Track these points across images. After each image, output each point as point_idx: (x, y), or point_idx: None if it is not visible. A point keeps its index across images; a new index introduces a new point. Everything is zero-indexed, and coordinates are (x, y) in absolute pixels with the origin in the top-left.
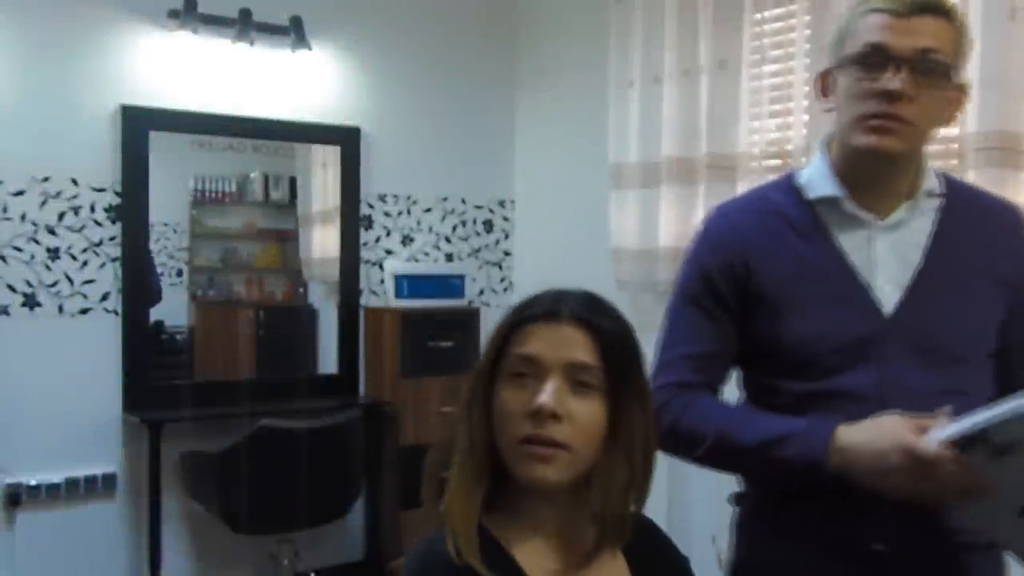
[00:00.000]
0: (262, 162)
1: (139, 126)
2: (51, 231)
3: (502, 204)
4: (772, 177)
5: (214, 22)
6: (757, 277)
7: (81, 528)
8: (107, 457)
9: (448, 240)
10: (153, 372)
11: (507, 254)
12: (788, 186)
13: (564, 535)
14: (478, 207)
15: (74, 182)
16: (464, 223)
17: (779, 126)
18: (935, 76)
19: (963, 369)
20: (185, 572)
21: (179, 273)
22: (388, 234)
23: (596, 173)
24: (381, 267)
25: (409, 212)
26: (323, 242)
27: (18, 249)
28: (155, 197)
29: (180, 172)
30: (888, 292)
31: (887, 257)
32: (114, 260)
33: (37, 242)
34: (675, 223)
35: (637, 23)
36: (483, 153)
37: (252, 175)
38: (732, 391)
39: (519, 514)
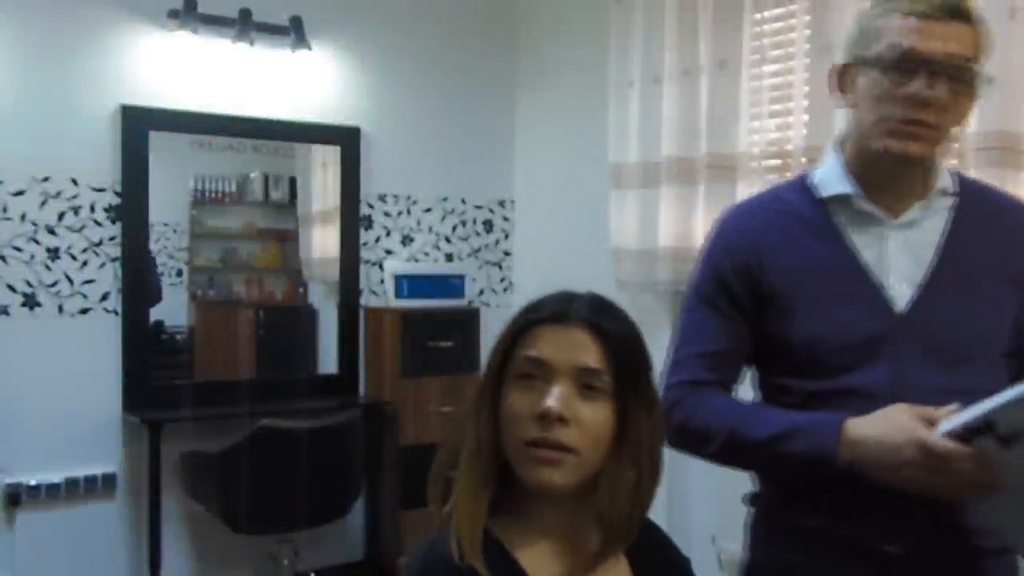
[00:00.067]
0: (262, 162)
1: (139, 126)
2: (51, 231)
3: (502, 204)
4: (772, 177)
5: (214, 22)
6: (769, 276)
7: (81, 528)
8: (107, 457)
9: (448, 240)
10: (153, 372)
11: (507, 254)
12: (801, 185)
13: (569, 538)
14: (478, 207)
15: (74, 182)
16: (464, 223)
17: (779, 126)
18: (964, 83)
19: (976, 368)
20: (185, 572)
21: (179, 273)
22: (388, 234)
23: (596, 173)
24: (381, 267)
25: (409, 212)
26: (323, 242)
27: (18, 249)
28: (155, 197)
29: (180, 172)
30: (901, 290)
31: (900, 255)
32: (114, 260)
33: (37, 242)
34: (675, 223)
35: (637, 23)
36: (483, 153)
37: (252, 175)
38: (747, 392)
39: (525, 517)
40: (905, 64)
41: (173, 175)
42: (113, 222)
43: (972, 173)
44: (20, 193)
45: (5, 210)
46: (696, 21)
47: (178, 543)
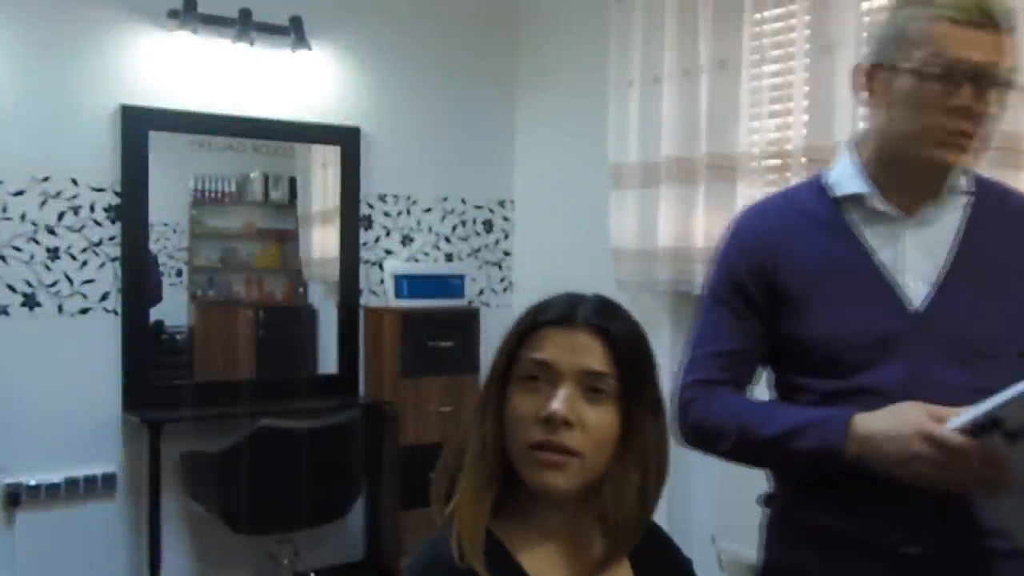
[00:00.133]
0: (262, 162)
1: (139, 126)
2: (51, 231)
3: (502, 204)
4: (772, 177)
5: (214, 22)
6: (784, 275)
7: (81, 528)
8: (107, 457)
9: (448, 240)
10: (153, 372)
11: (507, 254)
12: (816, 185)
13: (573, 541)
14: (478, 207)
15: (74, 182)
16: (464, 223)
17: (779, 126)
18: (1003, 91)
19: (993, 367)
20: (185, 572)
21: (179, 273)
22: (388, 234)
23: (596, 173)
24: (381, 267)
25: (409, 212)
26: (323, 242)
27: (18, 249)
28: (155, 197)
29: (180, 172)
30: (916, 288)
31: (916, 254)
32: (114, 260)
33: (37, 242)
34: (675, 223)
35: (637, 23)
36: (483, 153)
37: (252, 175)
38: (763, 393)
39: (527, 519)
40: (953, 75)
41: (173, 175)
42: (113, 222)
43: None
44: (20, 193)
45: (5, 210)
46: (696, 21)
47: (178, 543)
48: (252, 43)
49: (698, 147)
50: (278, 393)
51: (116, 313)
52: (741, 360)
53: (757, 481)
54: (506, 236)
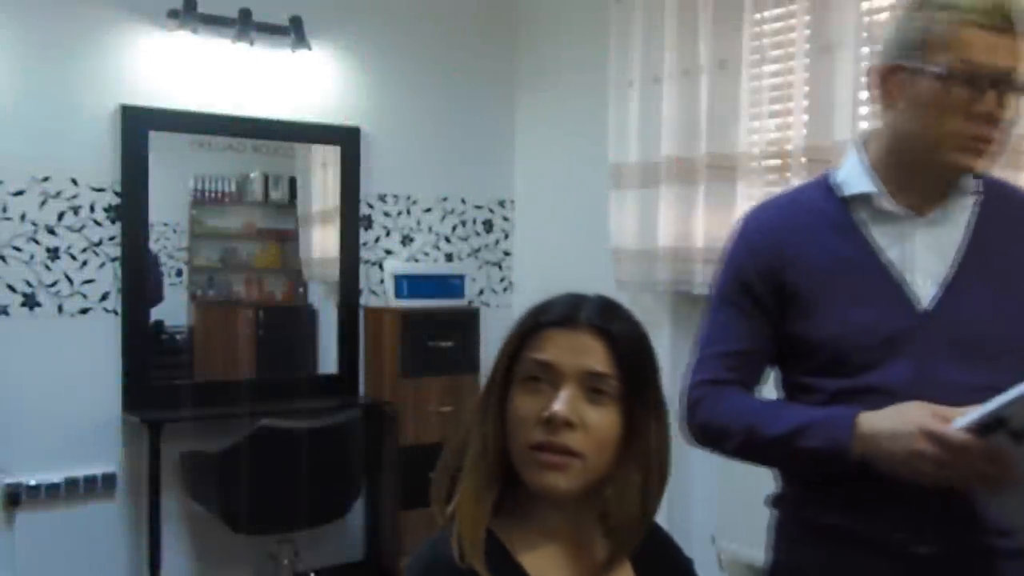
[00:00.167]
0: (262, 162)
1: (139, 126)
2: (51, 231)
3: (502, 204)
4: (772, 177)
5: (214, 22)
6: (792, 275)
7: (81, 528)
8: (107, 457)
9: (448, 240)
10: (153, 372)
11: (507, 254)
12: (823, 185)
13: (574, 542)
14: (478, 207)
15: (74, 182)
16: (464, 223)
17: (779, 126)
18: (1020, 95)
19: (1003, 366)
20: (185, 572)
21: (179, 273)
22: (388, 234)
23: (596, 173)
24: (381, 267)
25: (409, 212)
26: (323, 242)
27: (18, 249)
28: (155, 197)
29: (180, 172)
30: (925, 287)
31: (924, 253)
32: (114, 260)
33: (37, 242)
34: (675, 223)
35: (637, 23)
36: (483, 153)
37: (252, 175)
38: (772, 393)
39: (529, 519)
40: (979, 81)
41: (173, 175)
42: (113, 222)
43: None
44: (20, 193)
45: (5, 210)
46: (696, 21)
47: (178, 543)
48: (252, 43)
49: (698, 147)
50: (278, 393)
51: (116, 313)
52: (749, 360)
53: (757, 481)
54: (506, 236)
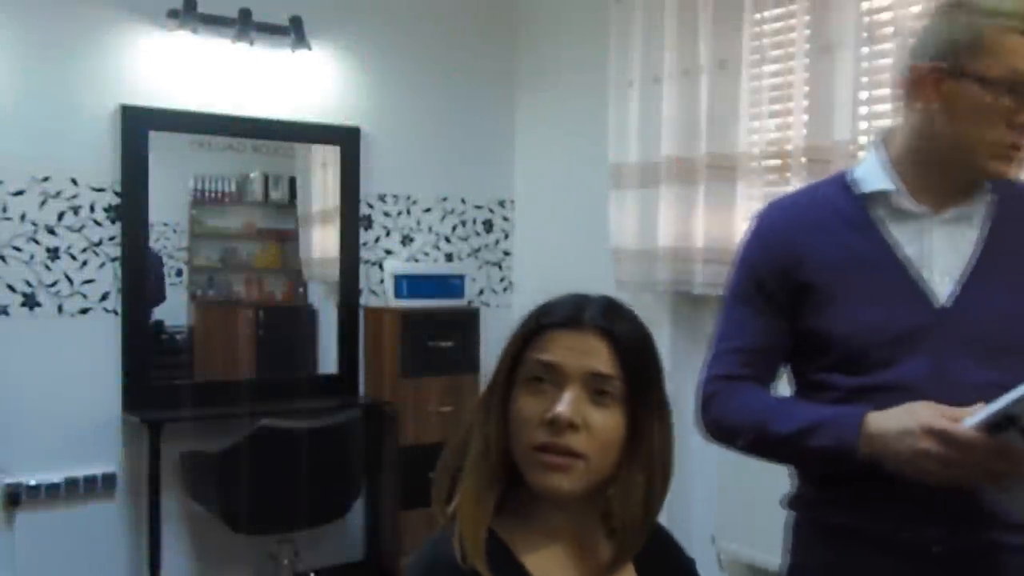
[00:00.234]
0: (262, 162)
1: (139, 126)
2: (51, 231)
3: (502, 204)
4: (772, 177)
5: (214, 22)
6: (807, 271)
7: (81, 528)
8: (107, 457)
9: (448, 240)
10: (153, 372)
11: (507, 254)
12: (840, 182)
13: (577, 543)
14: (478, 207)
15: (74, 182)
16: (464, 223)
17: (779, 126)
18: None
19: (1020, 363)
20: (185, 572)
21: (179, 273)
22: (388, 234)
23: (596, 173)
24: (381, 267)
25: (409, 212)
26: (323, 242)
27: (18, 249)
28: (155, 197)
29: (180, 172)
30: (942, 284)
31: (942, 250)
32: (114, 260)
33: (37, 242)
34: (675, 223)
35: (637, 23)
36: (483, 153)
37: (252, 175)
38: (786, 390)
39: (530, 519)
40: (1022, 90)
41: (173, 175)
42: (113, 222)
43: None
44: (20, 193)
45: (5, 210)
46: (696, 21)
47: (178, 543)
48: (252, 43)
49: (698, 147)
50: (278, 393)
51: (116, 313)
52: (763, 356)
53: (757, 481)
54: (506, 236)
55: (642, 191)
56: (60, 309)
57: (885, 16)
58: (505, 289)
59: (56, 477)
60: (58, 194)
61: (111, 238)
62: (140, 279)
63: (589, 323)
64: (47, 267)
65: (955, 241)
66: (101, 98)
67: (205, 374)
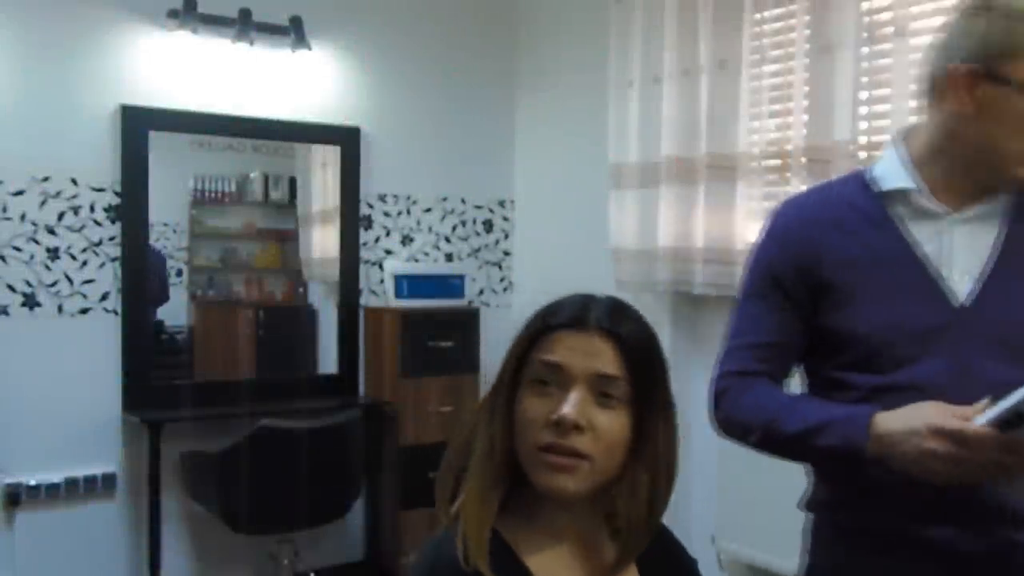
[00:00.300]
0: (262, 162)
1: (139, 126)
2: (51, 231)
3: (502, 204)
4: (772, 177)
5: (214, 22)
6: (826, 268)
7: (81, 528)
8: (107, 457)
9: (448, 240)
10: (153, 372)
11: (507, 254)
12: (859, 180)
13: (581, 544)
14: (478, 207)
15: (74, 182)
16: (464, 223)
17: (779, 126)
18: None
19: None
20: (185, 572)
21: (179, 273)
22: (388, 234)
23: (596, 173)
24: (381, 267)
25: (409, 212)
26: (323, 242)
27: (18, 249)
28: (155, 197)
29: (180, 172)
30: (961, 283)
31: (961, 249)
32: (114, 260)
33: (37, 242)
34: (675, 223)
35: (637, 23)
36: (483, 153)
37: (252, 175)
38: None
39: (533, 520)
40: None
41: (173, 175)
42: (113, 222)
43: None
44: (20, 193)
45: (5, 210)
46: (696, 21)
47: (178, 543)
48: (252, 43)
49: (698, 147)
50: (278, 393)
51: (116, 313)
52: (778, 353)
53: (757, 481)
54: (506, 236)
55: (642, 191)
56: (60, 309)
57: (885, 16)
58: (505, 289)
59: (56, 477)
60: (58, 194)
61: (111, 238)
62: (140, 279)
63: (595, 324)
64: (47, 267)
65: (974, 240)
66: (101, 98)
67: (205, 374)
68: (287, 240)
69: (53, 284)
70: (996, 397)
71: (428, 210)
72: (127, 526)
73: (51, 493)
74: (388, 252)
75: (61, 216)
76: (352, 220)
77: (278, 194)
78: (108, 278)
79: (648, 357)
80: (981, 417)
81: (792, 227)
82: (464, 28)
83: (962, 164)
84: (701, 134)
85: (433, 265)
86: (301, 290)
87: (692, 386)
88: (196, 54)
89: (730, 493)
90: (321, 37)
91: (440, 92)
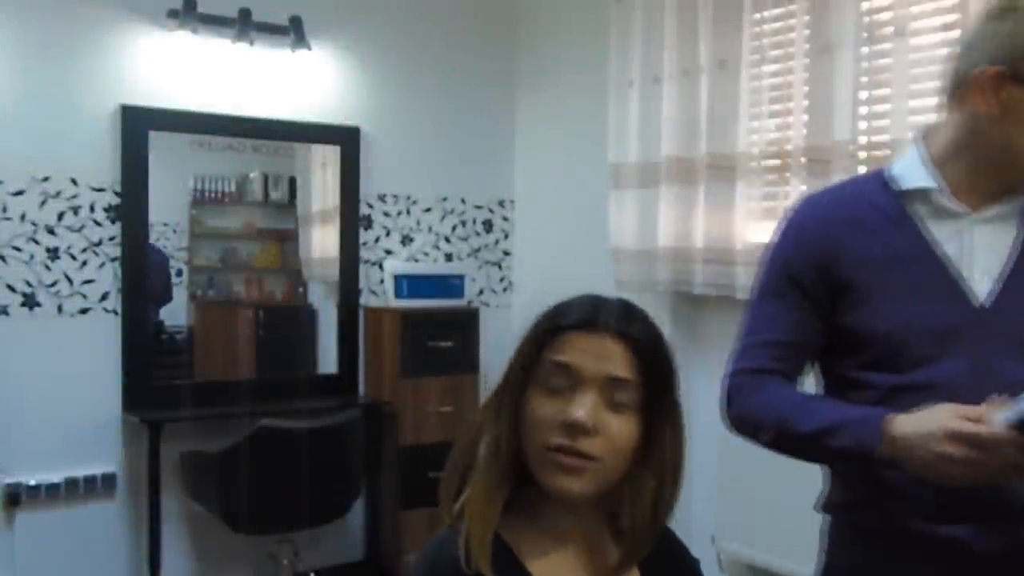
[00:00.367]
0: (262, 162)
1: (139, 126)
2: (51, 231)
3: (502, 204)
4: (772, 177)
5: (214, 22)
6: (844, 266)
7: (81, 528)
8: (107, 457)
9: (448, 240)
10: (153, 372)
11: (507, 254)
12: (878, 179)
13: (585, 546)
14: (478, 207)
15: (74, 182)
16: (464, 223)
17: (779, 126)
18: None
19: None
20: (185, 572)
21: (179, 273)
22: (388, 234)
23: (596, 173)
24: (381, 267)
25: (409, 212)
26: (323, 242)
27: (18, 249)
28: (155, 197)
29: (180, 172)
30: (981, 283)
31: (981, 248)
32: (114, 260)
33: (37, 242)
34: (674, 223)
35: (637, 23)
36: (483, 153)
37: (252, 175)
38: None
39: (537, 521)
40: None
41: (173, 175)
42: (113, 222)
43: None
44: (20, 193)
45: (5, 210)
46: (696, 21)
47: (178, 543)
48: (252, 43)
49: (698, 147)
50: (278, 393)
51: (116, 313)
52: (794, 351)
53: (757, 481)
54: (506, 236)
55: (642, 191)
56: (60, 309)
57: (885, 16)
58: (505, 289)
59: (56, 477)
60: (58, 194)
61: (111, 238)
62: (140, 279)
63: (606, 326)
64: (47, 267)
65: (994, 240)
66: (101, 98)
67: (205, 374)
68: (287, 240)
69: (53, 284)
70: (1011, 396)
71: (428, 210)
72: (127, 526)
73: (51, 493)
74: (388, 252)
75: (61, 216)
76: (352, 220)
77: (278, 194)
78: (108, 278)
79: (658, 360)
80: (997, 416)
81: (807, 226)
82: (464, 28)
83: (984, 164)
84: (701, 134)
85: (433, 265)
86: (301, 290)
87: (692, 386)
88: (196, 54)
89: (730, 493)
90: (321, 37)
91: (440, 92)
